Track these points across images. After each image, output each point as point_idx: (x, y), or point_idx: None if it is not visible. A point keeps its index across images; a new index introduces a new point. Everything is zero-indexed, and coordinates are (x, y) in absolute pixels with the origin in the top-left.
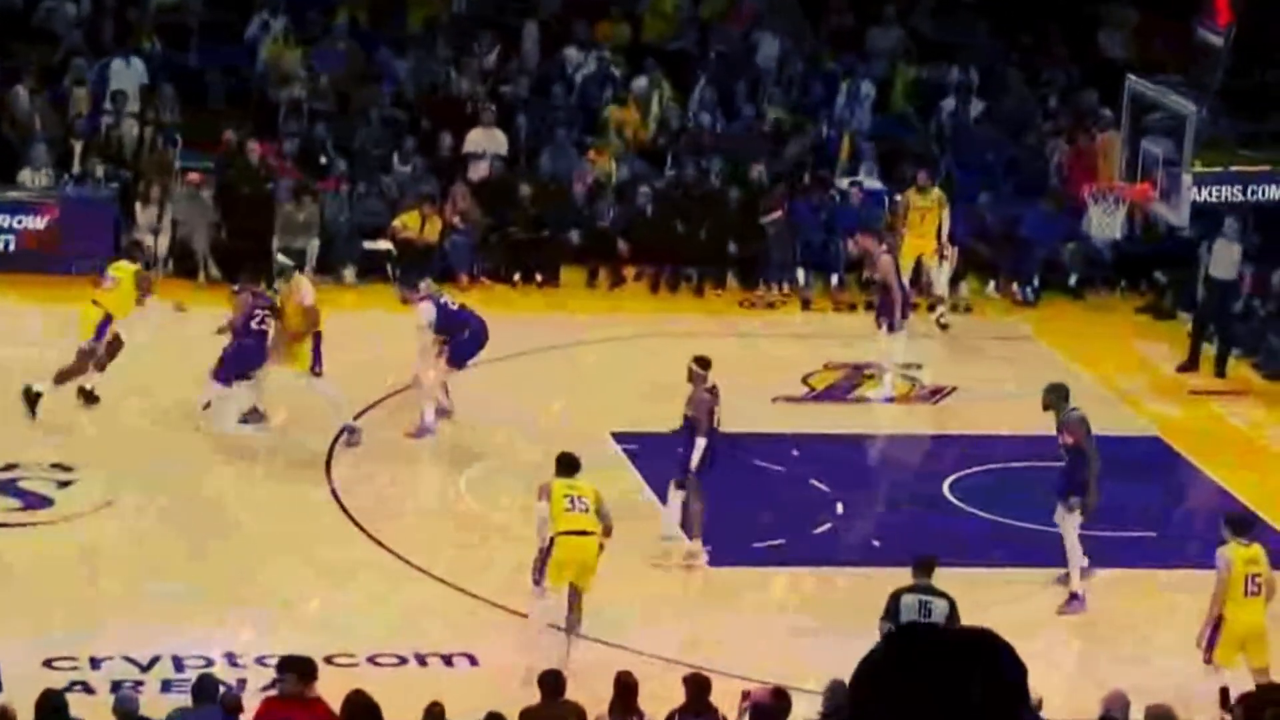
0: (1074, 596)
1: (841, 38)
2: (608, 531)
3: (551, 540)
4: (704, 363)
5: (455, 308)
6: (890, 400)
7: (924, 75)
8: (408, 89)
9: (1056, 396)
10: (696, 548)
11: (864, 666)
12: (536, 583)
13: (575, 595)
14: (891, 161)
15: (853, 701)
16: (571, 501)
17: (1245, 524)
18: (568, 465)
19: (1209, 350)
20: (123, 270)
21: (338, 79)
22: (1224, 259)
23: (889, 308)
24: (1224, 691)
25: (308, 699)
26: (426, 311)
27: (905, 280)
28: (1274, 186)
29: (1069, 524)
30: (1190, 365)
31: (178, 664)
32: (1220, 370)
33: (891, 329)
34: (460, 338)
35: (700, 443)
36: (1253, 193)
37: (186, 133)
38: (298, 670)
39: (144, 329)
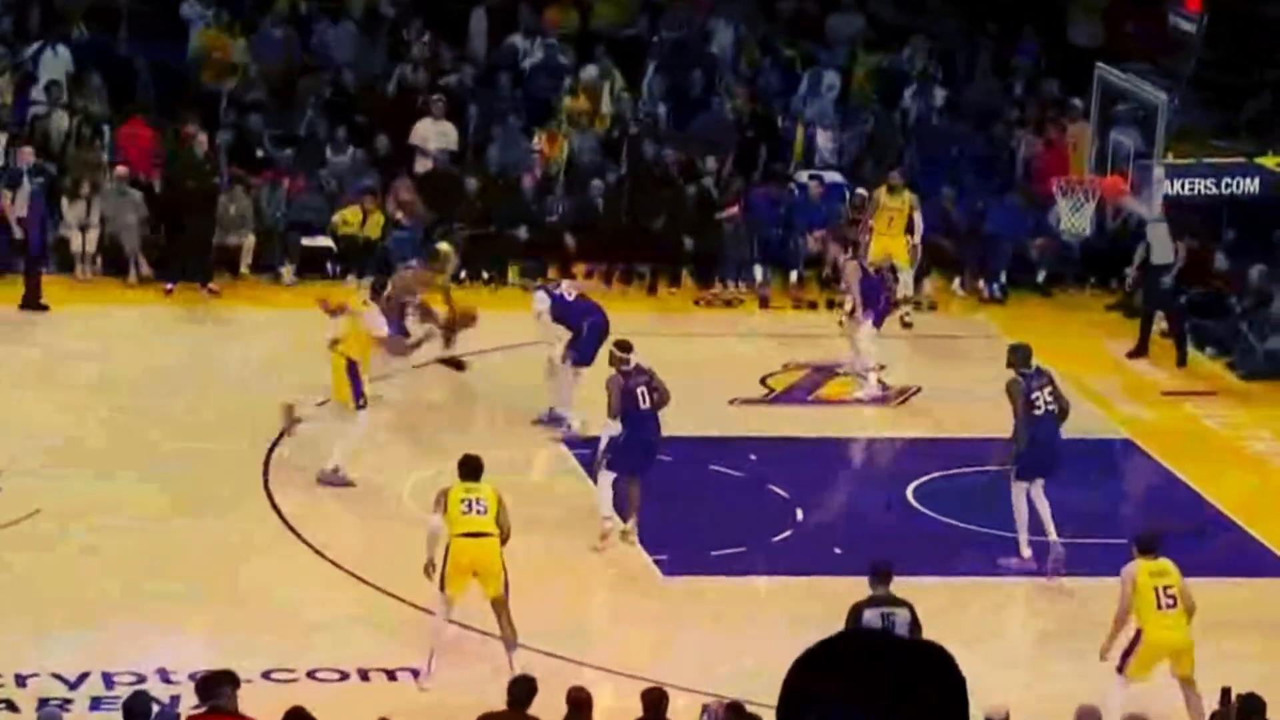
0: (1016, 555)
1: (801, 25)
2: (505, 537)
3: (448, 545)
4: (623, 346)
5: (571, 298)
6: (881, 398)
7: (885, 64)
8: (348, 78)
9: (1015, 357)
10: (628, 526)
11: (803, 661)
12: (441, 589)
13: (495, 608)
14: (853, 154)
15: (786, 692)
16: (469, 505)
17: (1151, 542)
18: (469, 469)
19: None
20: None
21: (275, 68)
22: (1159, 242)
23: (868, 305)
24: (1225, 692)
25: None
26: (540, 300)
27: (884, 275)
28: (1249, 179)
29: (1013, 490)
30: (1139, 352)
31: (107, 680)
32: (1181, 360)
33: (876, 323)
34: (580, 335)
35: (609, 425)
36: (1226, 186)
37: (116, 124)
38: (234, 682)
39: (71, 336)
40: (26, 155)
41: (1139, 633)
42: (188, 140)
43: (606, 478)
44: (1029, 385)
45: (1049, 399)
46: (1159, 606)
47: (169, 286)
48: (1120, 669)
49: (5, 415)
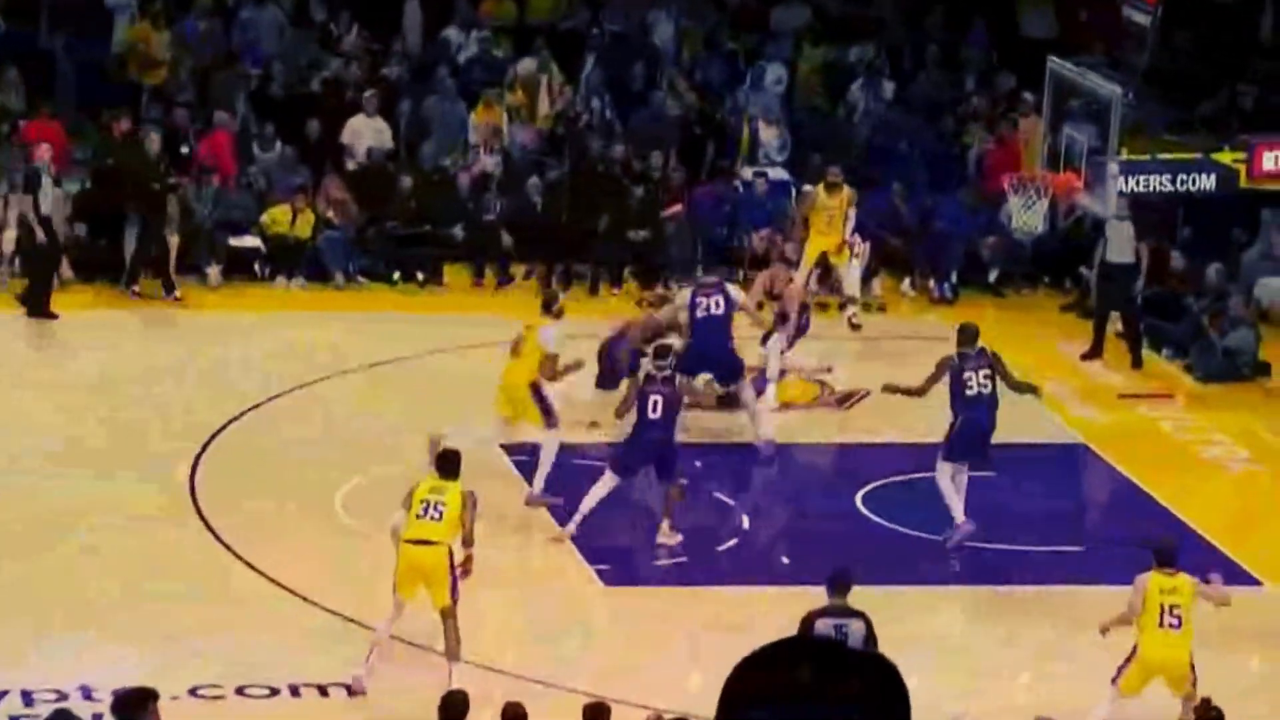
0: (954, 525)
1: (744, 18)
2: (465, 542)
3: (399, 548)
4: (661, 353)
5: (702, 315)
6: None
7: (831, 58)
8: (276, 72)
9: (960, 336)
10: (663, 526)
11: (744, 664)
12: (394, 591)
13: (442, 618)
14: (798, 150)
15: (725, 694)
16: (426, 507)
17: (1169, 553)
18: (445, 466)
19: (1132, 348)
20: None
21: (202, 63)
22: (1119, 241)
23: (786, 319)
24: (1205, 701)
25: None
26: (682, 295)
27: (812, 281)
28: (1205, 176)
29: (938, 469)
30: (1094, 353)
31: (26, 698)
32: (1136, 361)
33: (790, 344)
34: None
35: (618, 423)
36: (1182, 182)
37: (29, 120)
38: (154, 698)
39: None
40: (43, 153)
41: (1135, 647)
42: (130, 138)
43: (610, 480)
44: (963, 364)
45: (983, 381)
46: (1161, 624)
47: (135, 289)
48: (1114, 680)
49: None
